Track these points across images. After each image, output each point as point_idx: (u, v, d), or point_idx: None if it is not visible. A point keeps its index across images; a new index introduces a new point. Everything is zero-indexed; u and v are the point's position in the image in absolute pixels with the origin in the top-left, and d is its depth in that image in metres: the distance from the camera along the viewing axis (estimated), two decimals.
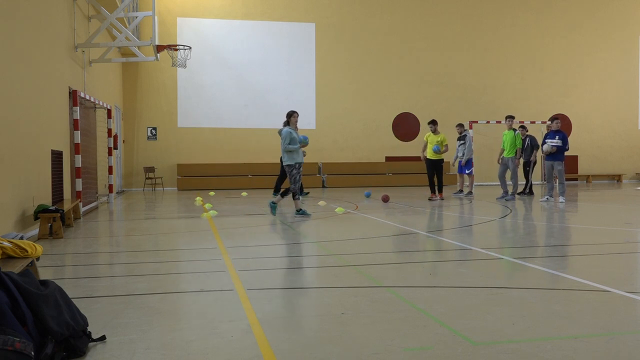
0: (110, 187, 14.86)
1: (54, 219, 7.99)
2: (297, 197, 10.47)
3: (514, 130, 14.34)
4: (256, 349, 3.24)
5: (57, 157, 10.09)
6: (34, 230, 8.30)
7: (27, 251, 4.58)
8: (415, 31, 22.02)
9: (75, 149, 11.16)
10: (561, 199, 12.93)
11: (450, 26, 22.29)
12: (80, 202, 10.85)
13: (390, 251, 7.07)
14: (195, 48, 18.18)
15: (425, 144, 14.33)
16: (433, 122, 14.24)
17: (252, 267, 5.75)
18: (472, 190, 15.49)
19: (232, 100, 20.65)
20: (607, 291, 4.51)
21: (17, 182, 7.76)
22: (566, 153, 13.20)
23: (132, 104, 20.07)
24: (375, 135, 21.87)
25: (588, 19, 23.46)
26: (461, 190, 15.63)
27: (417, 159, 19.07)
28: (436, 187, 14.06)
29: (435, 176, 14.08)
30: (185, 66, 16.03)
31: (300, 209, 10.36)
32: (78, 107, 11.09)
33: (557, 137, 12.95)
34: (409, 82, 22.00)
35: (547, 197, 13.67)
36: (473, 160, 15.40)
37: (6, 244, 4.48)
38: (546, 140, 13.11)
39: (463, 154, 15.10)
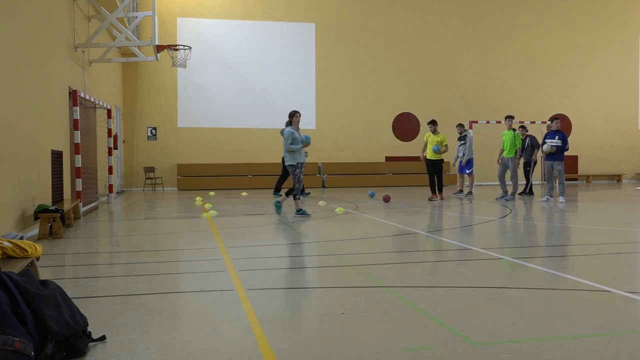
0: (110, 187, 14.86)
1: (54, 219, 8.00)
2: (297, 197, 10.49)
3: (514, 130, 14.34)
4: (256, 349, 3.24)
5: (57, 157, 10.09)
6: (34, 230, 8.30)
7: (27, 251, 4.58)
8: (415, 31, 22.02)
9: (75, 149, 11.16)
10: (561, 199, 12.93)
11: (450, 26, 22.29)
12: (80, 202, 10.85)
13: (390, 251, 7.07)
14: (195, 48, 18.19)
15: (425, 144, 14.33)
16: (433, 122, 14.24)
17: (252, 267, 5.75)
18: (472, 190, 15.49)
19: (232, 100, 20.64)
20: (607, 291, 4.51)
21: (17, 182, 7.77)
22: (566, 153, 13.21)
23: (132, 104, 20.07)
24: (375, 135, 21.86)
25: (588, 19, 23.46)
26: (461, 190, 15.63)
27: (417, 159, 19.05)
28: (436, 187, 14.07)
29: (435, 176, 14.09)
30: (185, 66, 16.03)
31: (301, 209, 10.37)
32: (78, 107, 11.10)
33: (556, 137, 12.96)
34: (409, 82, 21.99)
35: (547, 197, 13.67)
36: (473, 160, 15.41)
37: (6, 244, 4.48)
38: (546, 140, 13.12)
39: (464, 154, 15.10)
